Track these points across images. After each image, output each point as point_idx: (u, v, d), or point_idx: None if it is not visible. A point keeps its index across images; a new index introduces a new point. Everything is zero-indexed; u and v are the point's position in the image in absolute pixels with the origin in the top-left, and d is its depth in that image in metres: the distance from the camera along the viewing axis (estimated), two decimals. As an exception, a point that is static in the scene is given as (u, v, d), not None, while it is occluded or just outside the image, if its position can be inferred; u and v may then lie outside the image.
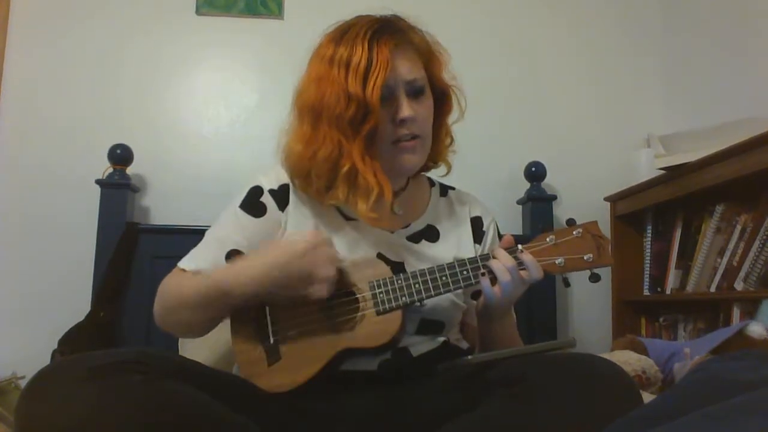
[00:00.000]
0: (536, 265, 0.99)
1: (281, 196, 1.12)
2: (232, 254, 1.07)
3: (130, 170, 1.97)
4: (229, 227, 1.10)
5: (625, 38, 2.30)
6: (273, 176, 1.13)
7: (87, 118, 2.07)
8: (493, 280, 1.00)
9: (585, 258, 1.01)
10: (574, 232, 1.02)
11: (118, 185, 1.93)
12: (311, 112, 1.04)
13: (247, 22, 2.17)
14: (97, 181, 1.93)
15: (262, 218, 1.10)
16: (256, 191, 1.12)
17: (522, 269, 0.99)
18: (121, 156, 1.93)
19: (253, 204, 1.11)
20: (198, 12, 2.15)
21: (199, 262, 1.07)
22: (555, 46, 2.28)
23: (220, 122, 2.14)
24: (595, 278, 1.02)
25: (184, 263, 1.09)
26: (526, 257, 1.00)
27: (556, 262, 1.01)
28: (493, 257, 1.01)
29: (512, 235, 1.06)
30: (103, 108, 2.08)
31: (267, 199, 1.11)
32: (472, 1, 2.27)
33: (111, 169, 1.95)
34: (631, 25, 2.30)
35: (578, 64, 2.28)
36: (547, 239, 1.02)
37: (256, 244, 1.08)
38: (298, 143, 1.05)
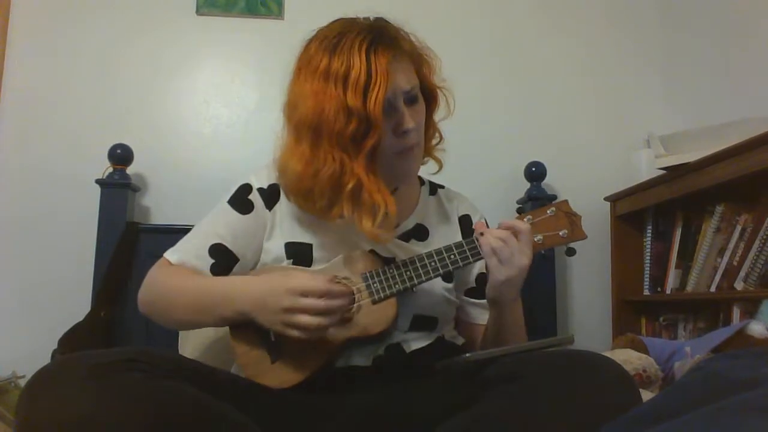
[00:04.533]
0: (517, 222, 1.03)
1: (270, 195, 1.13)
2: (215, 248, 1.09)
3: (130, 170, 1.97)
4: (215, 222, 1.12)
5: (625, 38, 2.30)
6: (264, 175, 1.14)
7: (87, 118, 2.07)
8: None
9: (560, 234, 1.07)
10: (548, 211, 1.08)
11: (119, 185, 1.93)
12: (310, 129, 1.00)
13: (247, 22, 2.17)
14: (98, 181, 1.93)
15: (248, 215, 1.12)
16: (245, 189, 1.14)
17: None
18: (121, 156, 1.94)
19: (241, 201, 1.13)
20: (198, 12, 2.16)
21: (182, 254, 1.10)
22: (555, 47, 2.28)
23: (220, 122, 2.14)
24: (570, 252, 1.09)
25: (169, 255, 1.11)
26: (506, 222, 1.03)
27: (536, 239, 1.06)
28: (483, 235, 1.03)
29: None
30: (103, 108, 2.08)
31: (255, 197, 1.13)
32: (472, 1, 2.27)
33: (111, 169, 1.95)
34: (631, 25, 2.30)
35: (578, 64, 2.28)
36: (525, 219, 1.07)
37: (241, 239, 1.11)
38: (298, 163, 1.01)
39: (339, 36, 1.01)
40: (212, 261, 1.09)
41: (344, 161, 0.99)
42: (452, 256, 1.04)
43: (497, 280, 1.01)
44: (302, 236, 1.10)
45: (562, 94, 2.26)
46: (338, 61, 0.99)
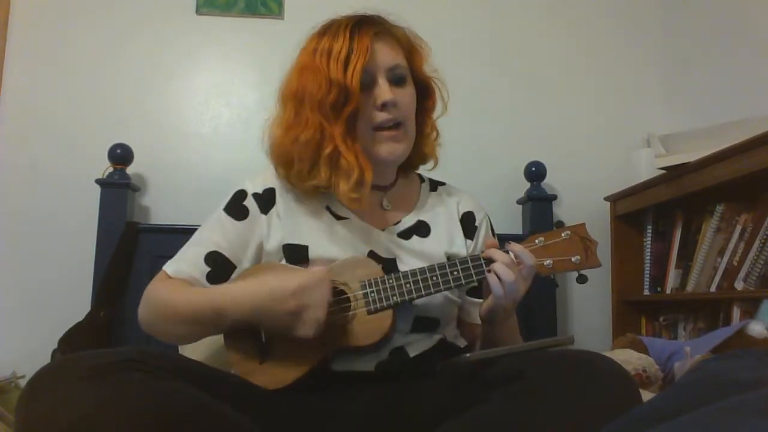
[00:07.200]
0: (526, 253, 1.01)
1: (265, 200, 1.13)
2: (211, 256, 1.09)
3: (130, 170, 1.97)
4: (211, 230, 1.13)
5: (625, 38, 2.30)
6: (259, 180, 1.15)
7: (87, 118, 2.07)
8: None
9: (573, 260, 1.04)
10: (563, 234, 1.05)
11: (118, 185, 1.93)
12: (293, 98, 1.08)
13: (247, 21, 2.17)
14: (97, 181, 1.93)
15: (243, 221, 1.12)
16: (240, 195, 1.14)
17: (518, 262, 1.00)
18: (121, 155, 1.94)
19: (236, 207, 1.13)
20: (198, 12, 2.15)
21: (178, 265, 1.10)
22: (555, 46, 2.28)
23: (220, 122, 2.14)
24: (582, 279, 1.06)
25: (167, 266, 1.11)
26: (515, 248, 1.01)
27: (545, 263, 1.04)
28: (491, 258, 1.01)
29: (511, 235, 1.06)
30: (103, 108, 2.08)
31: (250, 202, 1.13)
32: (472, 1, 2.27)
33: (111, 169, 1.95)
34: (631, 25, 2.30)
35: (578, 65, 2.28)
36: (536, 241, 1.05)
37: (237, 246, 1.11)
38: (279, 129, 1.09)
39: (331, 22, 1.11)
40: (208, 269, 1.08)
41: (324, 127, 1.05)
42: (455, 273, 1.02)
43: (495, 305, 1.02)
44: (299, 238, 1.09)
45: (562, 94, 2.26)
46: (326, 39, 1.08)
